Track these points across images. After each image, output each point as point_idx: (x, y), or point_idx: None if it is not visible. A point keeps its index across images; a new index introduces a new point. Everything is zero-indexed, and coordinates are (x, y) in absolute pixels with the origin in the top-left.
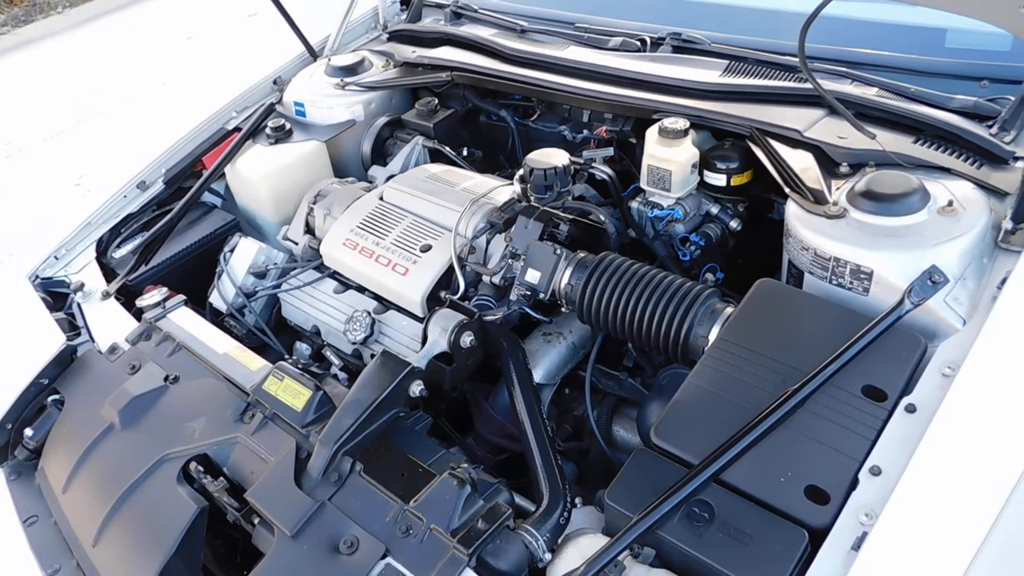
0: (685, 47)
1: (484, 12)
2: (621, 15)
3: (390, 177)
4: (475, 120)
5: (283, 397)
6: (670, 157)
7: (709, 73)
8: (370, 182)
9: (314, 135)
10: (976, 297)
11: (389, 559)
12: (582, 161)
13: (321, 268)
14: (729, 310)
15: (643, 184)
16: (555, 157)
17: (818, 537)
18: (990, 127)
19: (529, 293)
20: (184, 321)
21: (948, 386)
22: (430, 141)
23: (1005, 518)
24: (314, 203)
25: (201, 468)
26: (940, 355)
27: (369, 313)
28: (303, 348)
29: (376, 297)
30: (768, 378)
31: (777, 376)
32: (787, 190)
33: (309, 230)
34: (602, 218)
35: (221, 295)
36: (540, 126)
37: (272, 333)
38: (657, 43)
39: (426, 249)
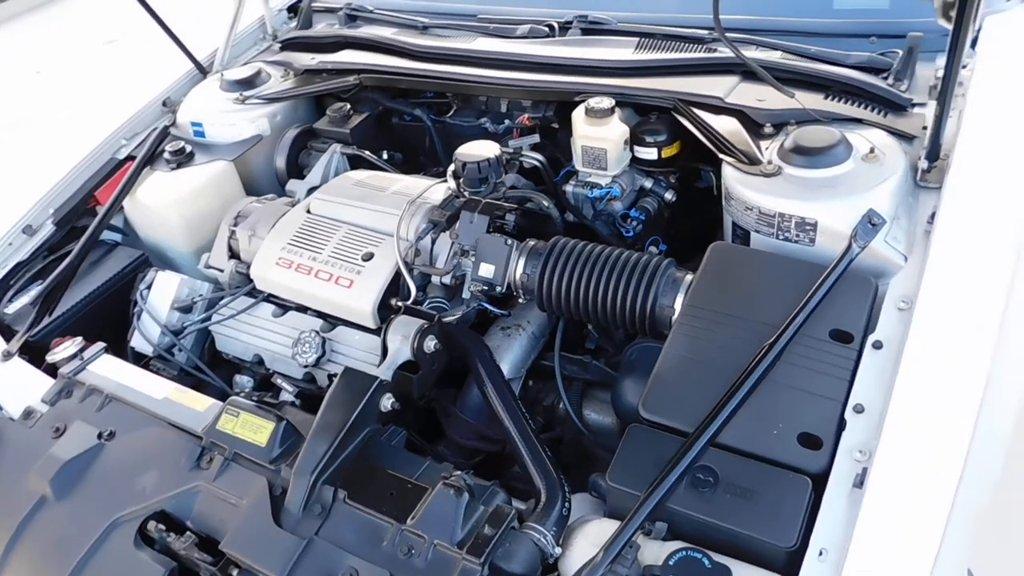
0: (593, 29)
1: (380, 12)
2: (522, 3)
3: (312, 189)
4: (388, 122)
5: (242, 434)
6: (603, 136)
7: (622, 51)
8: (290, 197)
9: (219, 155)
10: (911, 234)
11: None
12: (511, 151)
13: (254, 293)
14: (689, 277)
15: (578, 165)
16: (486, 149)
17: (818, 481)
18: (886, 79)
19: (485, 288)
20: (109, 370)
21: (908, 318)
22: (348, 147)
23: (982, 427)
24: (235, 225)
25: (162, 527)
26: (892, 291)
27: (317, 332)
28: (244, 381)
29: (320, 315)
30: (740, 336)
31: (748, 333)
32: (720, 155)
33: (233, 255)
34: (546, 204)
35: (144, 336)
36: (458, 121)
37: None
38: (565, 27)
39: (368, 258)
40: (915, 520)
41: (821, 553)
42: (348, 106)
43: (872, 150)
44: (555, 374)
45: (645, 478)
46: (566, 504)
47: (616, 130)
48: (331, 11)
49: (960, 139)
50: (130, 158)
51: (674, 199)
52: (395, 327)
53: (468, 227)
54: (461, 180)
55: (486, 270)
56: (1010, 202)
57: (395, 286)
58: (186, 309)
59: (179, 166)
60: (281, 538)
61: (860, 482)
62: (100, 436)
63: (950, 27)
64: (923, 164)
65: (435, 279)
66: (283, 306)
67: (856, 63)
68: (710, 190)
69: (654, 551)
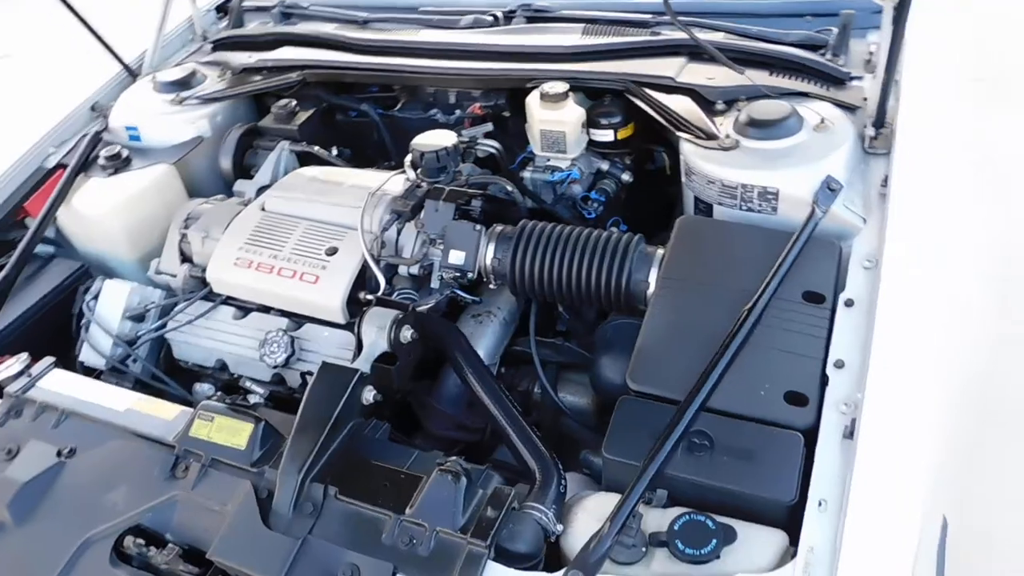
0: (538, 16)
1: (316, 8)
2: None
3: (262, 189)
4: (335, 118)
5: (219, 439)
6: (561, 119)
7: (570, 37)
8: (240, 197)
9: (158, 158)
10: (866, 197)
11: None
12: (466, 140)
13: (211, 296)
14: (660, 252)
15: (537, 150)
16: (442, 137)
17: (808, 436)
18: (824, 55)
19: (458, 275)
20: (61, 385)
21: (875, 276)
22: (297, 144)
23: (954, 372)
24: (186, 228)
25: (140, 541)
26: (856, 252)
27: (284, 332)
28: (205, 388)
29: (284, 314)
30: (717, 304)
31: (724, 301)
32: (678, 133)
33: (186, 258)
34: (510, 189)
35: (95, 349)
36: (407, 115)
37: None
38: (509, 16)
39: (332, 252)
40: (905, 465)
41: (820, 504)
42: (294, 102)
43: (822, 120)
44: (527, 359)
45: (641, 448)
46: (562, 482)
47: (573, 113)
48: (263, 10)
49: (901, 107)
50: (60, 166)
51: (631, 180)
52: (369, 319)
53: (434, 215)
54: (420, 170)
55: (456, 257)
56: (952, 162)
57: (361, 280)
58: (139, 318)
59: (116, 171)
60: (273, 541)
61: (850, 433)
62: (59, 454)
63: (883, 4)
64: (870, 132)
65: (402, 270)
66: (243, 308)
67: (796, 41)
68: (662, 170)
69: (656, 519)
